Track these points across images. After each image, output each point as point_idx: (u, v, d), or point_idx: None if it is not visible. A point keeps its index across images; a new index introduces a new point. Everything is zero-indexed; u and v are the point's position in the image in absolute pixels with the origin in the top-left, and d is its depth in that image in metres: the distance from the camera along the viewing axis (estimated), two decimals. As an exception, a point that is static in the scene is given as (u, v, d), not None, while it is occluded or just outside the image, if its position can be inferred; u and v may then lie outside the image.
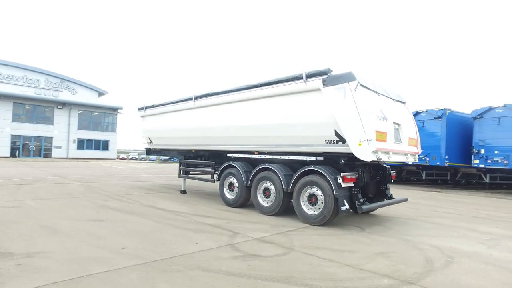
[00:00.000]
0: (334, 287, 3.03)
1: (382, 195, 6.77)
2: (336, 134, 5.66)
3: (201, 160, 9.38)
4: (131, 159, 64.24)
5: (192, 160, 9.47)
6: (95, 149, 35.74)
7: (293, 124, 6.32)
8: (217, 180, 8.06)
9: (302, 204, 6.04)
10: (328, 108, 5.69)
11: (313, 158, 6.18)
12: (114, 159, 37.93)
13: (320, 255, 3.99)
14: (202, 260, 3.62)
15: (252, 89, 7.17)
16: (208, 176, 8.96)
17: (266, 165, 6.76)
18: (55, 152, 33.44)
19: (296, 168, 6.57)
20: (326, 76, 5.75)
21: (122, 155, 64.50)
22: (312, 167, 5.92)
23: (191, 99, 8.97)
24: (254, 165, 7.38)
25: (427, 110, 15.39)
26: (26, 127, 32.12)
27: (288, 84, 6.43)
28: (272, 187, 6.63)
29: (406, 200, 7.07)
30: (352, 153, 5.51)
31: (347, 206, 5.54)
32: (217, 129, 8.13)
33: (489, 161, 13.76)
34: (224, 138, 8.01)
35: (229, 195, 7.69)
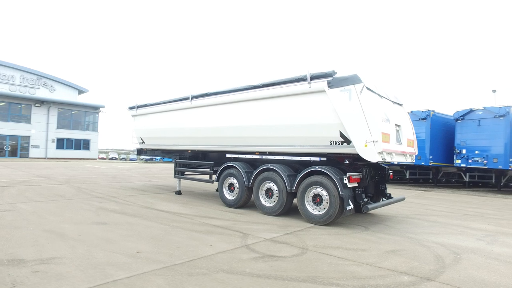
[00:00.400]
0: (360, 285, 3.10)
1: (381, 195, 6.97)
2: (341, 135, 5.77)
3: (197, 160, 9.29)
4: (111, 159, 62.50)
5: (189, 160, 9.35)
6: (75, 148, 34.44)
7: (297, 125, 6.38)
8: (216, 181, 8.02)
9: (306, 204, 6.12)
10: (333, 109, 5.79)
11: (317, 159, 6.27)
12: (95, 159, 36.72)
13: (336, 254, 4.07)
14: (223, 263, 3.60)
15: (254, 90, 7.17)
16: (206, 177, 8.91)
17: (269, 166, 6.79)
18: (32, 152, 31.96)
19: (298, 169, 6.67)
20: (331, 78, 5.85)
21: (101, 155, 62.63)
22: (317, 168, 6.01)
23: (187, 98, 8.86)
24: (254, 166, 7.40)
25: (412, 111, 15.92)
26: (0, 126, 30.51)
27: (291, 85, 6.48)
28: (275, 187, 6.67)
29: (403, 199, 7.31)
30: (356, 154, 5.66)
31: (352, 206, 5.67)
32: (216, 130, 8.07)
33: (470, 161, 14.44)
34: (224, 139, 7.98)
35: (229, 196, 7.66)
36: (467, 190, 14.75)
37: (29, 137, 32.00)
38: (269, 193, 6.81)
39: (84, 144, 35.27)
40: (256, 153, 7.42)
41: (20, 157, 31.38)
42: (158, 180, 14.40)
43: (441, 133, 15.90)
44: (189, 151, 9.42)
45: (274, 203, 6.67)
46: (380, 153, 5.35)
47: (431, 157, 15.39)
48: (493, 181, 14.83)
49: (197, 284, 2.98)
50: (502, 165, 13.43)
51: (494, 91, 24.12)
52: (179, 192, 9.54)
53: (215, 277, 3.16)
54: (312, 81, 6.10)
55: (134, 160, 58.38)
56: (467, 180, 15.37)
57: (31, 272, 3.10)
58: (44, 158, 31.98)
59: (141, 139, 11.08)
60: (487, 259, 4.11)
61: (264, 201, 6.87)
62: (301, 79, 6.28)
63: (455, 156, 14.94)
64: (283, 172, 6.51)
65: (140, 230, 4.95)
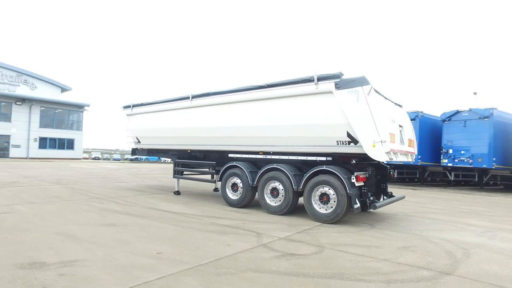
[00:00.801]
0: (386, 280, 3.21)
1: (382, 193, 7.16)
2: (349, 135, 5.90)
3: (196, 160, 9.24)
4: (94, 158, 61.04)
5: (189, 160, 9.28)
6: (59, 148, 33.30)
7: (303, 125, 6.47)
8: (219, 181, 8.00)
9: (313, 203, 6.22)
10: (340, 110, 5.90)
11: (323, 158, 6.37)
12: (80, 158, 35.67)
13: (352, 251, 4.18)
14: (247, 262, 3.63)
15: (258, 90, 7.21)
16: (207, 177, 8.87)
17: (274, 165, 6.85)
18: (13, 152, 30.67)
19: (302, 169, 6.76)
20: (338, 80, 5.96)
21: (84, 155, 60.98)
22: (324, 167, 6.12)
23: (187, 98, 8.79)
24: (258, 165, 7.45)
25: (401, 112, 16.35)
26: (-23, 124, 29.15)
27: (297, 86, 6.56)
28: (280, 187, 6.74)
29: (404, 197, 7.54)
30: (363, 154, 5.80)
31: (359, 205, 5.81)
32: (218, 129, 8.05)
33: (456, 160, 15.01)
34: (226, 138, 7.97)
35: (232, 196, 7.67)
36: (453, 189, 15.34)
37: (9, 136, 30.70)
38: (274, 192, 6.86)
39: (68, 144, 34.19)
40: (260, 153, 7.46)
41: (0, 157, 30.09)
42: (151, 180, 14.19)
43: (429, 134, 16.44)
44: (189, 150, 9.35)
45: (280, 202, 6.73)
46: (387, 152, 5.51)
47: (419, 156, 15.86)
48: (476, 180, 15.48)
49: (230, 284, 3.00)
50: (486, 164, 14.04)
51: (475, 93, 25.17)
52: (177, 193, 9.45)
53: (245, 276, 3.19)
54: (319, 82, 6.19)
55: (118, 160, 57.16)
56: (452, 179, 15.96)
57: (57, 275, 3.02)
58: (26, 158, 30.79)
59: (137, 138, 10.90)
60: (494, 253, 4.33)
61: (269, 200, 6.92)
62: (308, 80, 6.37)
63: (442, 155, 15.48)
64: (289, 171, 6.58)
65: (152, 231, 4.89)
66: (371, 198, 6.03)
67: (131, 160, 52.16)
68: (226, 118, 7.85)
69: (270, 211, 6.82)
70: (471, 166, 14.65)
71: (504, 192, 14.66)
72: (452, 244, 4.74)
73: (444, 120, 15.62)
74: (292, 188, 6.47)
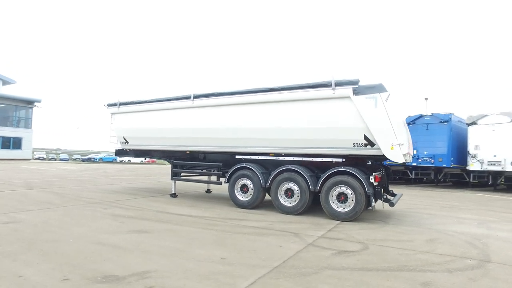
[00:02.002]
0: (445, 269, 3.58)
1: (385, 192, 7.73)
2: (366, 138, 6.30)
3: (194, 161, 9.02)
4: (37, 158, 55.53)
5: (189, 161, 9.03)
6: (3, 148, 29.61)
7: (319, 128, 6.73)
8: (226, 182, 7.95)
9: (331, 202, 6.53)
10: (358, 114, 6.28)
11: (339, 160, 6.71)
12: (29, 159, 32.11)
13: (394, 246, 4.54)
14: (316, 261, 3.76)
15: (271, 92, 7.32)
16: (207, 178, 8.72)
17: (290, 167, 7.03)
18: None
19: (315, 169, 7.03)
20: (356, 86, 6.33)
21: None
22: (342, 168, 6.46)
23: (188, 97, 8.59)
24: (268, 167, 7.58)
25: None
26: None
27: (313, 90, 6.81)
28: (295, 187, 6.94)
29: (402, 195, 8.22)
30: (378, 155, 6.26)
31: (374, 203, 6.25)
32: (225, 131, 7.99)
33: (419, 160, 16.58)
34: (234, 140, 7.95)
35: (242, 197, 7.68)
36: (416, 186, 16.93)
37: None
38: (288, 193, 7.04)
39: (14, 143, 30.57)
40: (270, 154, 7.58)
41: None
42: (131, 182, 13.45)
43: (395, 135, 17.87)
44: (188, 151, 9.11)
45: (295, 202, 6.93)
46: (404, 154, 6.02)
47: (388, 156, 17.21)
48: (432, 177, 17.29)
49: (324, 282, 3.11)
50: (445, 163, 15.75)
51: (426, 99, 27.88)
52: (174, 195, 9.15)
53: (329, 275, 3.33)
54: (336, 87, 6.50)
55: (66, 160, 52.75)
56: (412, 177, 17.60)
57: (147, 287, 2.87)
58: (-40, 159, 26.92)
59: (124, 138, 10.30)
60: (503, 242, 5.01)
61: (284, 201, 7.08)
62: (325, 85, 6.65)
63: (407, 155, 16.97)
64: (305, 172, 6.81)
65: (191, 237, 4.77)
66: (384, 196, 6.52)
67: (83, 160, 48.50)
68: (235, 120, 7.82)
69: (284, 212, 6.98)
70: (433, 166, 16.33)
71: (455, 187, 16.57)
72: (466, 235, 5.35)
73: (409, 123, 17.11)
74: (309, 188, 6.71)
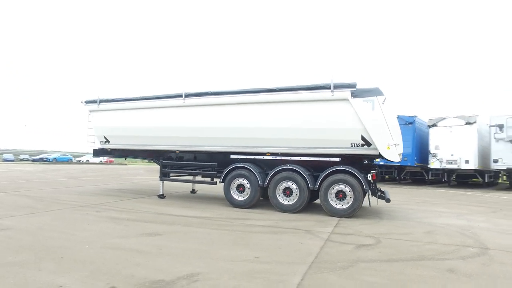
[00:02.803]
0: (459, 257, 3.96)
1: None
2: (363, 138, 6.65)
3: (185, 161, 8.83)
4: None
5: (180, 161, 8.79)
6: None
7: (318, 129, 6.96)
8: (221, 182, 7.89)
9: (330, 200, 6.80)
10: (356, 116, 6.61)
11: (337, 159, 6.99)
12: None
13: (402, 238, 4.89)
14: (343, 255, 3.93)
15: (269, 93, 7.41)
16: (193, 178, 8.51)
17: (288, 166, 7.19)
18: None
19: (311, 168, 7.26)
20: (354, 89, 6.66)
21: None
22: (341, 167, 6.76)
23: (179, 96, 8.37)
24: (264, 166, 7.67)
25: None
26: None
27: (312, 92, 7.03)
28: (294, 186, 7.11)
29: (388, 192, 8.78)
30: (373, 155, 6.67)
31: (371, 199, 6.64)
32: (219, 130, 7.92)
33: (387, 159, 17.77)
34: (229, 139, 7.91)
35: (238, 197, 7.67)
36: (381, 184, 18.10)
37: None
38: (287, 192, 7.19)
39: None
40: (267, 154, 7.67)
41: None
42: (102, 183, 12.69)
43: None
44: (177, 151, 8.88)
45: (294, 201, 7.10)
46: (400, 154, 6.47)
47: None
48: (395, 175, 18.64)
49: (366, 275, 3.28)
50: (410, 162, 17.04)
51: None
52: (162, 196, 8.85)
53: (364, 267, 3.51)
54: (335, 90, 6.79)
55: (11, 161, 47.93)
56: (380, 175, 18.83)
57: (201, 289, 2.81)
58: None
59: (105, 138, 9.72)
60: (488, 232, 5.61)
61: (282, 199, 7.22)
62: (323, 87, 6.90)
63: (375, 155, 18.11)
64: (304, 171, 7.01)
65: (208, 238, 4.71)
66: (378, 193, 6.95)
67: (33, 161, 44.49)
68: (231, 119, 7.78)
69: (283, 210, 7.12)
70: (397, 164, 17.58)
71: (416, 184, 18.01)
72: (453, 227, 5.91)
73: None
74: (308, 187, 6.93)
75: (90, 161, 41.30)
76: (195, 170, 8.56)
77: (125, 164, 41.74)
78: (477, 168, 15.80)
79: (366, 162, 6.98)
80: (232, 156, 7.97)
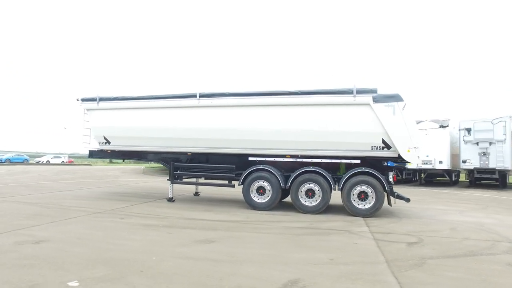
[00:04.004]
0: (502, 251, 4.39)
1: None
2: (383, 142, 7.02)
3: (197, 163, 8.61)
4: None
5: (195, 164, 8.53)
6: None
7: (339, 132, 7.21)
8: (240, 184, 7.83)
9: (352, 200, 7.08)
10: (377, 120, 6.96)
11: (357, 161, 7.30)
12: None
13: (437, 235, 5.28)
14: (404, 253, 4.17)
15: (290, 96, 7.51)
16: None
17: (311, 168, 7.36)
18: None
19: (330, 170, 7.49)
20: (375, 94, 7.01)
21: None
22: (364, 169, 7.07)
23: (193, 96, 8.18)
24: (284, 168, 7.75)
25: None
26: None
27: (334, 96, 7.27)
28: (317, 188, 7.29)
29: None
30: (393, 157, 7.08)
31: (392, 199, 7.05)
32: (238, 132, 7.85)
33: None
34: (248, 141, 7.87)
35: (258, 199, 7.68)
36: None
37: None
38: (309, 193, 7.35)
39: None
40: (287, 156, 7.77)
41: None
42: (90, 186, 11.89)
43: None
44: (189, 153, 8.63)
45: (316, 202, 7.28)
46: (418, 156, 6.93)
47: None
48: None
49: (442, 270, 3.52)
50: (389, 163, 18.10)
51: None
52: (171, 199, 8.56)
53: (434, 263, 3.76)
54: (357, 95, 7.09)
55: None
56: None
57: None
58: None
59: (105, 138, 9.16)
60: (493, 226, 6.21)
61: (304, 201, 7.36)
62: (346, 92, 7.17)
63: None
64: (327, 173, 7.23)
65: (265, 242, 4.73)
66: (396, 193, 7.37)
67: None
68: (250, 121, 7.74)
69: (305, 211, 7.26)
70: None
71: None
72: (469, 224, 6.44)
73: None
74: (331, 188, 7.16)
75: (50, 162, 38.15)
76: (212, 172, 8.38)
77: (91, 165, 39.29)
78: (448, 168, 17.28)
79: (385, 163, 7.36)
80: (250, 158, 7.95)
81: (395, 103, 6.93)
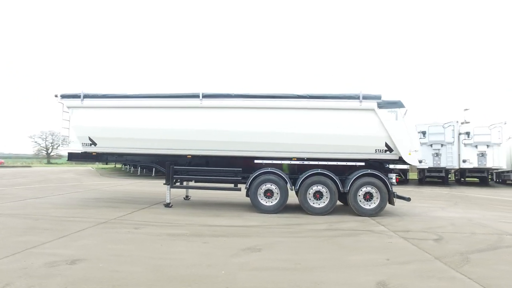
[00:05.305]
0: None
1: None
2: (386, 145, 7.48)
3: (200, 167, 8.20)
4: None
5: (197, 167, 8.11)
6: None
7: (346, 135, 7.49)
8: (247, 188, 7.69)
9: (359, 201, 7.42)
10: (381, 125, 7.39)
11: (362, 163, 7.66)
12: None
13: (448, 231, 5.80)
14: (440, 250, 4.51)
15: (298, 99, 7.61)
16: (212, 185, 8.05)
17: (319, 170, 7.53)
18: None
19: (336, 172, 7.76)
20: (380, 100, 7.44)
21: None
22: (369, 171, 7.44)
23: (196, 96, 7.84)
24: (290, 171, 7.82)
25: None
26: None
27: (341, 101, 7.54)
28: (324, 189, 7.49)
29: None
30: (395, 159, 7.58)
31: (394, 199, 7.55)
32: (244, 134, 7.71)
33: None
34: (254, 144, 7.77)
35: (266, 202, 7.63)
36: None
37: None
38: (317, 195, 7.52)
39: None
40: (294, 159, 7.84)
41: None
42: (60, 191, 10.63)
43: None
44: (189, 156, 8.21)
45: (324, 204, 7.48)
46: (419, 159, 7.51)
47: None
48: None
49: (494, 263, 3.90)
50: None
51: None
52: (169, 205, 8.08)
53: (476, 258, 4.13)
54: (363, 100, 7.45)
55: None
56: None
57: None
58: None
59: (90, 139, 8.28)
60: (494, 222, 7.01)
61: (313, 203, 7.51)
62: (352, 97, 7.49)
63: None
64: (334, 175, 7.47)
65: (308, 246, 4.73)
66: (395, 194, 7.89)
67: None
68: (257, 123, 7.65)
69: (314, 213, 7.42)
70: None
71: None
72: (464, 220, 7.14)
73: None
74: (338, 190, 7.41)
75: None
76: (216, 176, 8.06)
77: (29, 166, 35.10)
78: (405, 168, 18.97)
79: (388, 166, 7.84)
80: (256, 161, 7.86)
81: (397, 109, 7.43)
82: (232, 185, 8.00)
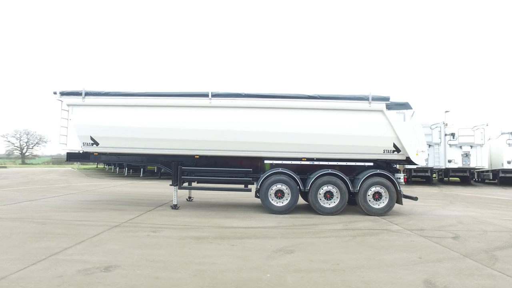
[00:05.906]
0: (529, 241, 5.22)
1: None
2: (394, 145, 7.64)
3: (209, 167, 8.03)
4: None
5: (207, 167, 7.93)
6: None
7: (354, 136, 7.60)
8: (257, 188, 7.62)
9: (368, 201, 7.53)
10: (390, 126, 7.55)
11: (371, 164, 7.78)
12: None
13: (460, 229, 5.99)
14: (463, 248, 4.64)
15: (309, 100, 7.64)
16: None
17: (329, 171, 7.58)
18: None
19: (343, 172, 7.83)
20: (388, 102, 7.59)
21: None
22: (378, 171, 7.57)
23: (205, 95, 7.70)
24: (300, 171, 7.82)
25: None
26: None
27: (351, 102, 7.64)
28: (334, 190, 7.55)
29: None
30: (402, 160, 7.76)
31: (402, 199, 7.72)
32: (253, 134, 7.65)
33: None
34: (263, 144, 7.73)
35: (277, 203, 7.59)
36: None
37: None
38: (327, 195, 7.56)
39: None
40: (303, 159, 7.85)
41: None
42: (53, 194, 10.13)
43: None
44: (197, 156, 8.03)
45: (335, 204, 7.54)
46: (426, 159, 7.72)
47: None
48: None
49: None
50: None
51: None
52: (176, 206, 7.87)
53: (503, 254, 4.27)
54: (372, 102, 7.57)
55: None
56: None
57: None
58: None
59: (92, 139, 7.94)
60: (496, 219, 7.32)
61: (323, 203, 7.55)
62: (362, 98, 7.60)
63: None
64: (345, 176, 7.54)
65: (338, 246, 4.72)
66: (403, 193, 8.07)
67: None
68: (267, 123, 7.61)
69: (324, 213, 7.47)
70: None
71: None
72: (468, 218, 7.39)
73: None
74: (348, 190, 7.50)
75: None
76: (226, 176, 7.91)
77: (5, 167, 33.30)
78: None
79: (395, 166, 8.01)
80: (266, 161, 7.81)
81: (405, 111, 7.60)
82: (242, 186, 7.90)
